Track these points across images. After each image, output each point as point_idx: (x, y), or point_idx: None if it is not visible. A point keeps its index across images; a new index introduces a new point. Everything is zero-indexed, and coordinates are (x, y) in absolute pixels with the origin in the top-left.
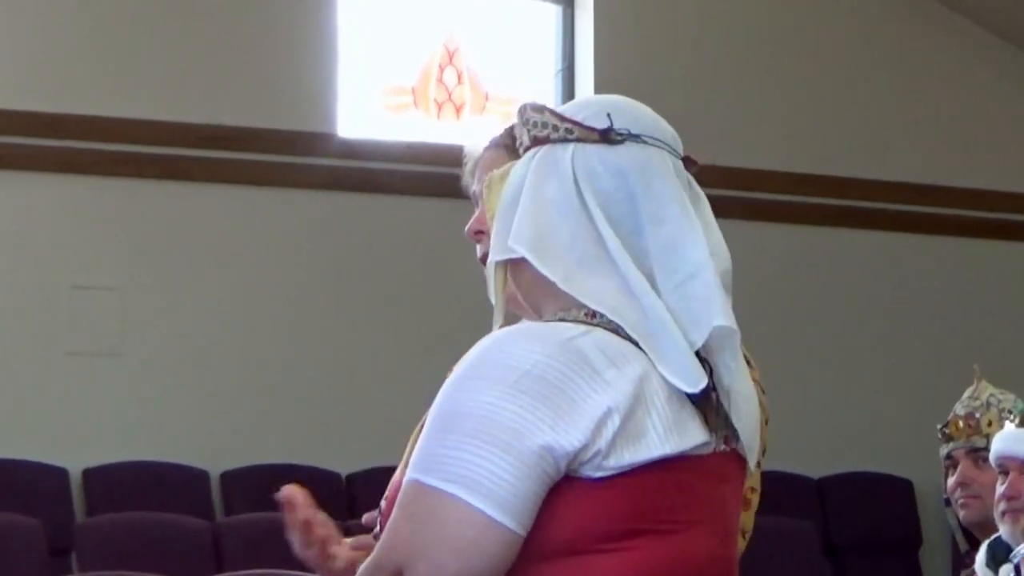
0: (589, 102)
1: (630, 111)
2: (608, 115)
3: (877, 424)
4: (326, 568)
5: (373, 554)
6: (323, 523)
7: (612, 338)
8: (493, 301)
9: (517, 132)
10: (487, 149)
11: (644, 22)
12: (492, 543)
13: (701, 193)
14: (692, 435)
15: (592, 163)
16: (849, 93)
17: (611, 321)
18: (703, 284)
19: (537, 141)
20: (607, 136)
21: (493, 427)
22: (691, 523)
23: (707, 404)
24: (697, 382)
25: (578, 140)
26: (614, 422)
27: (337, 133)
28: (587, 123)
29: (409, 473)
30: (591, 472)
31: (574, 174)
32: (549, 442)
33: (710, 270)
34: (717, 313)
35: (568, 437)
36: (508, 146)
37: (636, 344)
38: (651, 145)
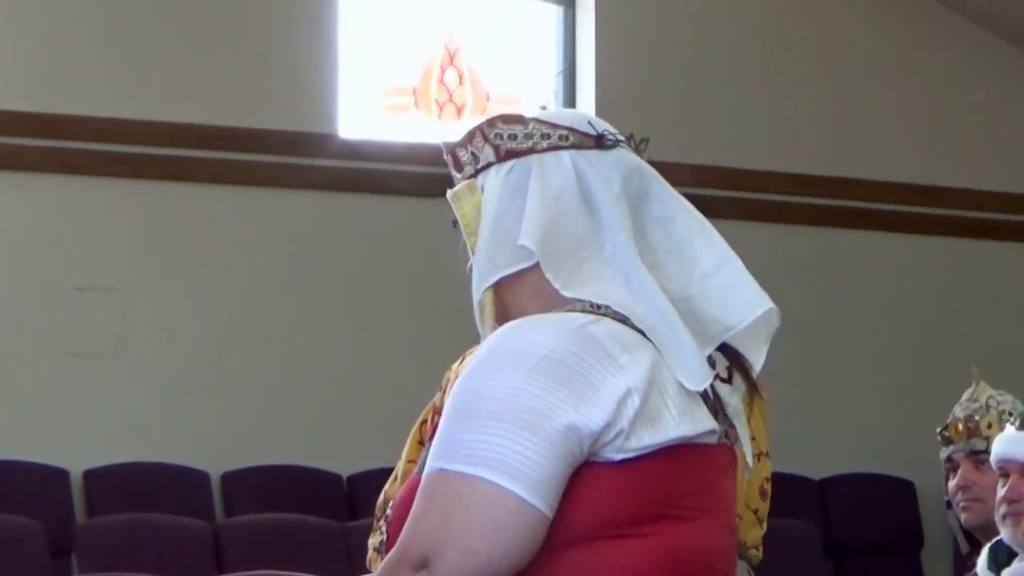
0: (562, 114)
1: (598, 119)
2: (590, 123)
3: (878, 425)
4: None
5: (395, 548)
6: None
7: (620, 327)
8: (478, 320)
9: (471, 152)
10: None
11: (645, 23)
12: (523, 525)
13: None
14: (702, 421)
15: (599, 168)
16: (849, 93)
17: (617, 312)
18: (733, 271)
19: (512, 154)
20: (601, 142)
21: (516, 409)
22: (702, 511)
23: (707, 396)
24: (702, 381)
25: (572, 146)
26: (634, 402)
27: (338, 134)
28: (579, 129)
29: (430, 463)
30: (612, 454)
31: (579, 179)
32: (574, 422)
33: (736, 258)
34: (762, 296)
35: (592, 416)
36: None
37: (643, 335)
38: (631, 150)
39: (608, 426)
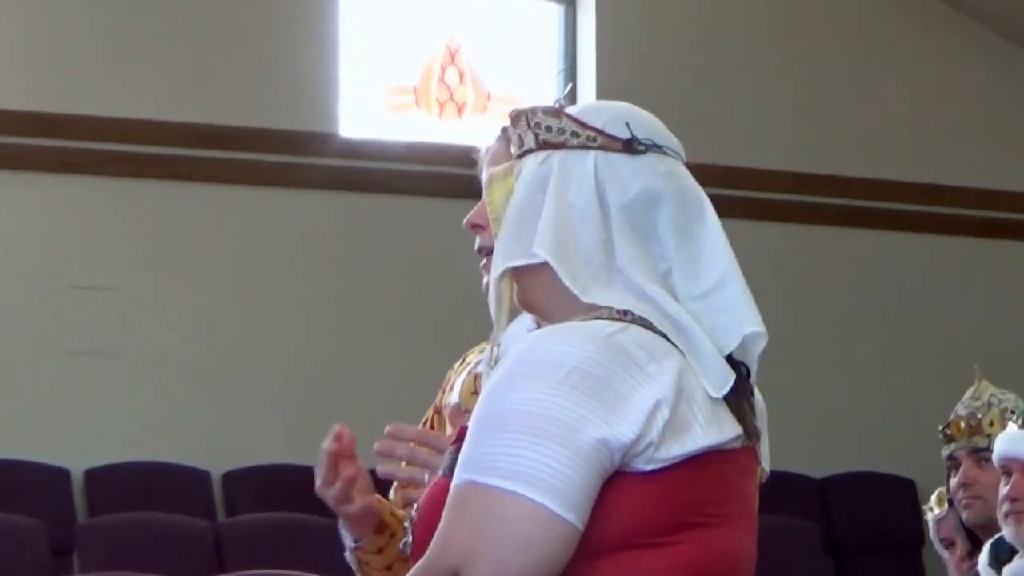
0: (601, 108)
1: (646, 121)
2: (627, 124)
3: (879, 424)
4: (341, 510)
5: (423, 559)
6: (356, 467)
7: (647, 334)
8: (493, 310)
9: (517, 133)
10: (497, 140)
11: (646, 22)
12: (555, 538)
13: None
14: (728, 428)
15: (619, 172)
16: (850, 93)
17: (642, 317)
18: (728, 294)
19: (548, 145)
20: (630, 146)
21: (545, 422)
22: (729, 516)
23: (732, 400)
24: (723, 387)
25: (600, 148)
26: (663, 413)
27: (339, 133)
28: (609, 131)
29: (459, 475)
30: (643, 465)
31: (597, 182)
32: (605, 435)
33: (735, 279)
34: (746, 320)
35: (622, 430)
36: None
37: (668, 339)
38: (669, 156)
39: (639, 438)
